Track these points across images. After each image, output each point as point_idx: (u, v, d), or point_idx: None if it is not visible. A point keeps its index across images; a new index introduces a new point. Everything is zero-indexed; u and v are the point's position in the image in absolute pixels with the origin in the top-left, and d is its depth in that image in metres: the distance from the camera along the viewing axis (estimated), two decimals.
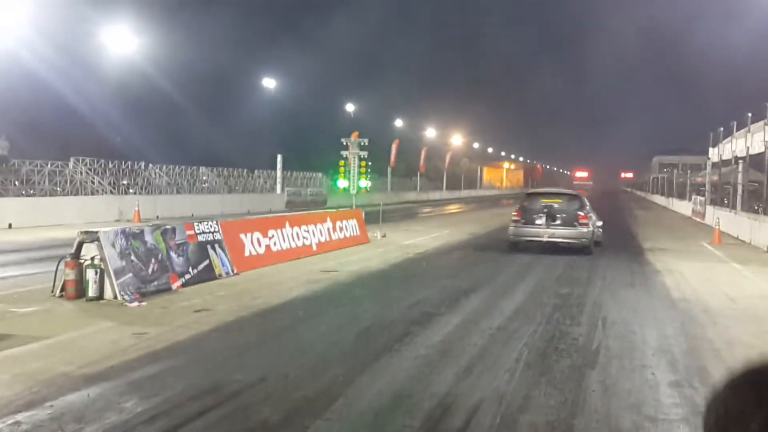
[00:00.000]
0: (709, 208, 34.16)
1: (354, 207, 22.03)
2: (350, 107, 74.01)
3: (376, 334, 9.09)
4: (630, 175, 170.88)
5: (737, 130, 35.89)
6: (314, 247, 17.59)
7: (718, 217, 30.19)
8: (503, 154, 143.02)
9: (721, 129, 41.05)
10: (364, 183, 21.61)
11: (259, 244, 15.27)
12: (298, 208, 34.56)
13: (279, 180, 41.69)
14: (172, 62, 57.24)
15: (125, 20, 35.53)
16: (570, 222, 18.82)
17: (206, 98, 72.71)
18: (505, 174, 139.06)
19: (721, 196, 34.79)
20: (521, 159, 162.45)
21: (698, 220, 36.33)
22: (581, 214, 18.97)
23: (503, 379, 7.21)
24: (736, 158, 34.40)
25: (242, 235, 14.70)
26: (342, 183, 21.64)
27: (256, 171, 50.03)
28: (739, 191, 27.97)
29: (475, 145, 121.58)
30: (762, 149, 29.12)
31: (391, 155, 58.28)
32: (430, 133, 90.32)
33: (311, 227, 17.81)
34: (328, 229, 18.63)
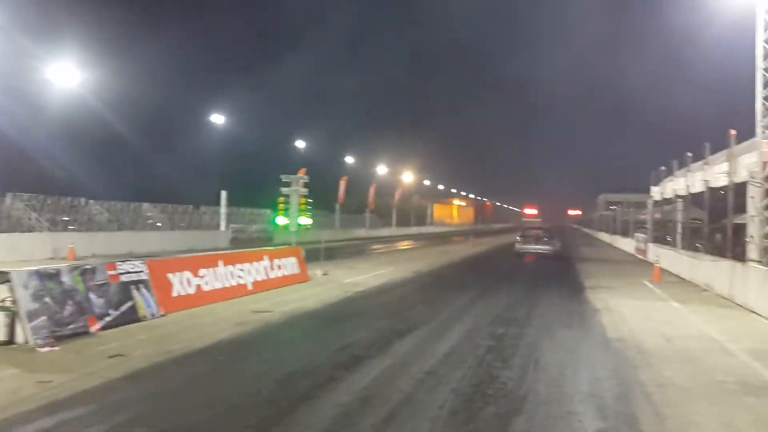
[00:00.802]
0: (651, 246, 34.64)
1: (294, 244, 21.58)
2: (300, 144, 73.86)
3: (299, 380, 8.64)
4: (578, 212, 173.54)
5: (678, 169, 36.77)
6: (250, 287, 17.05)
7: (658, 255, 30.61)
8: (454, 191, 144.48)
9: (663, 168, 42.04)
10: (305, 220, 21.18)
11: (189, 284, 14.68)
12: (244, 246, 33.88)
13: (223, 217, 40.91)
14: (118, 97, 56.26)
15: (69, 54, 34.70)
16: (546, 242, 36.29)
17: (153, 134, 71.57)
18: (455, 211, 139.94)
19: (663, 234, 35.34)
20: (471, 196, 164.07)
21: (641, 257, 36.81)
22: (552, 238, 37.18)
23: (424, 428, 6.84)
24: (677, 197, 35.17)
25: (170, 275, 14.10)
26: (281, 220, 21.18)
27: (202, 207, 49.25)
28: (679, 229, 28.37)
29: (426, 182, 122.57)
30: (701, 188, 29.80)
31: (339, 192, 57.96)
32: (381, 170, 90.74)
33: (247, 266, 17.28)
34: (265, 268, 18.12)
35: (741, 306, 16.90)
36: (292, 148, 71.90)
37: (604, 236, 65.71)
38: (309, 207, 21.23)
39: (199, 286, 15.00)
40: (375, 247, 46.21)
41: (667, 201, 37.58)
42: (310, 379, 8.64)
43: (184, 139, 74.80)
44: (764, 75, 16.52)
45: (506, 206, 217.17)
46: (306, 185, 21.02)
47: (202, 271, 15.29)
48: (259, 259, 18.06)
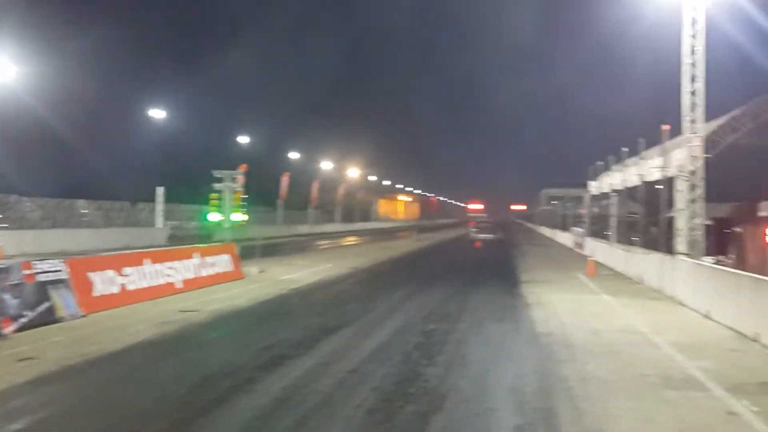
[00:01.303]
0: (588, 240, 35.19)
1: (229, 241, 21.13)
2: (243, 139, 72.80)
3: (216, 382, 8.34)
4: (522, 207, 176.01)
5: (614, 164, 37.47)
6: (179, 285, 16.58)
7: (593, 249, 31.13)
8: (400, 186, 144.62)
9: (600, 163, 42.79)
10: (239, 217, 20.74)
11: (113, 283, 14.16)
12: (182, 243, 33.12)
13: (160, 214, 39.94)
14: (54, 92, 54.31)
15: (4, 48, 33.24)
16: (492, 231, 51.24)
17: (89, 129, 69.40)
18: (400, 206, 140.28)
19: (601, 228, 35.97)
20: (417, 192, 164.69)
21: (578, 251, 37.36)
22: (496, 229, 53.20)
23: (338, 429, 6.65)
24: (613, 191, 35.83)
25: (91, 274, 13.57)
26: (214, 217, 20.70)
27: (139, 204, 48.11)
28: (613, 223, 28.86)
29: (372, 178, 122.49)
30: (637, 183, 30.40)
31: (281, 188, 57.33)
32: (326, 165, 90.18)
33: (176, 264, 16.80)
34: (196, 266, 17.65)
35: (670, 298, 17.20)
36: (234, 144, 70.78)
37: (545, 231, 66.71)
38: (244, 203, 20.79)
39: (123, 286, 14.48)
40: (317, 243, 45.82)
41: (605, 195, 38.28)
42: (228, 381, 8.35)
43: (122, 134, 72.91)
44: (691, 69, 16.82)
45: (452, 202, 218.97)
46: (239, 180, 20.56)
47: (126, 270, 14.77)
48: (189, 256, 17.59)
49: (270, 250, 34.41)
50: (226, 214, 20.57)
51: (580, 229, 39.49)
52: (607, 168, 39.59)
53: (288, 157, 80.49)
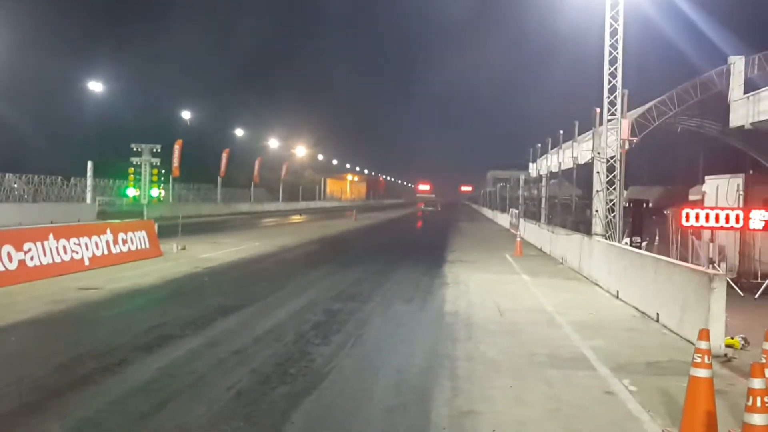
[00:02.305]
0: (522, 221, 35.48)
1: (147, 218, 20.53)
2: (185, 115, 71.30)
3: (84, 363, 7.93)
4: (469, 188, 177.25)
5: (552, 147, 37.79)
6: (87, 262, 15.99)
7: (525, 230, 31.39)
8: (348, 166, 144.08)
9: (539, 145, 43.12)
10: (156, 192, 20.12)
11: (10, 259, 13.54)
12: (112, 218, 32.17)
13: (89, 189, 38.80)
14: None
15: None
16: (434, 205, 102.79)
17: (23, 102, 66.94)
18: (348, 186, 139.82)
19: (539, 210, 36.29)
20: (366, 171, 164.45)
21: (514, 232, 37.67)
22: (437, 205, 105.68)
23: (197, 414, 6.34)
24: (550, 173, 36.17)
25: None
26: (131, 192, 20.03)
27: (72, 179, 46.81)
28: (543, 204, 29.11)
29: (320, 157, 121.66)
30: (571, 164, 30.67)
31: (221, 164, 56.37)
32: (273, 144, 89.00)
33: (84, 240, 16.18)
34: (108, 242, 17.06)
35: (586, 278, 17.37)
36: (176, 119, 69.29)
37: (488, 212, 67.26)
38: (161, 178, 20.15)
39: (22, 262, 13.87)
40: (254, 221, 45.17)
41: (543, 177, 38.62)
42: (98, 362, 7.96)
43: (58, 108, 70.63)
44: (610, 52, 16.83)
45: (401, 182, 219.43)
46: (156, 155, 19.90)
47: (27, 245, 14.14)
48: (101, 232, 16.98)
49: (201, 227, 33.87)
50: (144, 189, 19.92)
51: (516, 210, 39.81)
52: (546, 150, 39.98)
53: (234, 134, 79.37)
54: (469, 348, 9.39)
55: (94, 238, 16.59)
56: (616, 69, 16.91)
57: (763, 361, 6.13)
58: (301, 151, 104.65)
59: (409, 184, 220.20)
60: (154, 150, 19.85)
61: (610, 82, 16.92)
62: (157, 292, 13.60)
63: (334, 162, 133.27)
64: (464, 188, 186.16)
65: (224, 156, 56.95)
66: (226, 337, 9.57)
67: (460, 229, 42.92)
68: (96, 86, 57.10)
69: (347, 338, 9.78)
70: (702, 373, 5.88)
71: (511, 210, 42.65)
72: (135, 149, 19.85)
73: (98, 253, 16.54)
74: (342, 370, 8.04)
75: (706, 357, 5.94)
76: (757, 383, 4.97)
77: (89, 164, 38.85)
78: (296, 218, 52.85)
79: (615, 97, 16.95)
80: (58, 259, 14.99)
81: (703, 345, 5.97)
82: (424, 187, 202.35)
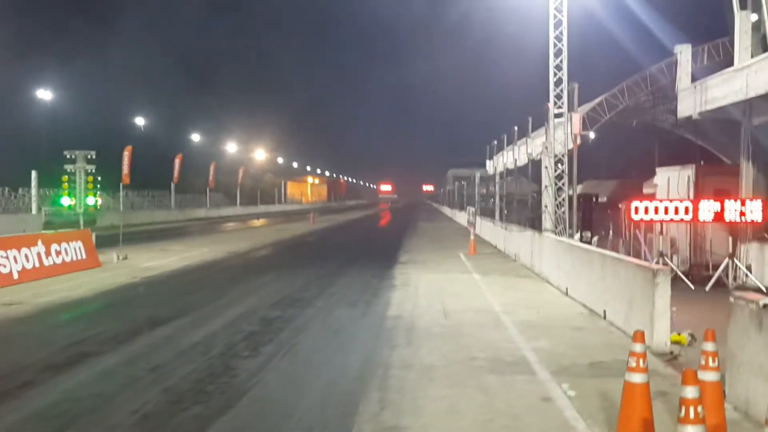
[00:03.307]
0: (478, 219, 35.21)
1: (85, 227, 19.68)
2: (138, 121, 69.76)
3: None
4: (431, 188, 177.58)
5: (507, 144, 37.67)
6: (15, 276, 15.15)
7: (481, 228, 31.11)
8: (308, 168, 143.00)
9: (495, 142, 42.98)
10: (92, 200, 19.26)
11: None
12: (59, 228, 31.01)
13: (34, 199, 37.44)
14: None
15: None
16: (395, 202, 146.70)
17: None
18: (309, 188, 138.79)
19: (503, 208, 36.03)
20: (327, 174, 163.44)
21: (471, 230, 37.36)
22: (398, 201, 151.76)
23: None
24: (507, 170, 35.97)
25: None
26: (66, 201, 19.14)
27: (20, 190, 45.47)
28: (496, 201, 28.89)
29: (280, 160, 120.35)
30: (526, 161, 30.51)
31: (174, 170, 55.16)
32: (231, 147, 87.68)
33: (13, 252, 15.33)
34: (39, 254, 16.21)
35: (538, 275, 17.05)
36: (128, 126, 67.70)
37: (447, 211, 67.07)
38: (96, 185, 19.28)
39: None
40: (209, 227, 44.17)
41: (500, 174, 38.44)
42: None
43: (6, 117, 68.50)
44: (555, 44, 16.54)
45: (363, 183, 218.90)
46: (91, 161, 19.03)
47: None
48: (31, 244, 16.12)
49: (152, 235, 33.01)
50: (79, 197, 19.05)
51: (472, 208, 39.55)
52: (502, 147, 39.87)
53: (190, 140, 77.86)
54: (406, 354, 8.90)
55: (24, 250, 15.73)
56: (561, 61, 16.65)
57: (703, 363, 5.74)
58: (260, 154, 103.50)
59: (372, 185, 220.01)
60: (89, 156, 18.98)
61: (555, 74, 16.65)
62: (85, 306, 12.87)
63: (294, 165, 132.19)
64: (426, 188, 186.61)
65: (177, 161, 55.72)
66: (146, 353, 8.94)
67: (418, 228, 42.54)
68: (45, 94, 55.69)
69: (278, 349, 9.23)
70: (637, 378, 5.48)
71: (468, 208, 42.40)
72: (68, 156, 18.96)
73: (28, 266, 15.70)
74: (266, 385, 7.49)
75: (641, 361, 5.54)
76: (689, 392, 4.56)
77: (33, 174, 37.45)
78: (254, 222, 51.92)
79: (561, 90, 16.69)
80: None
81: (637, 348, 5.57)
82: (386, 187, 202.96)
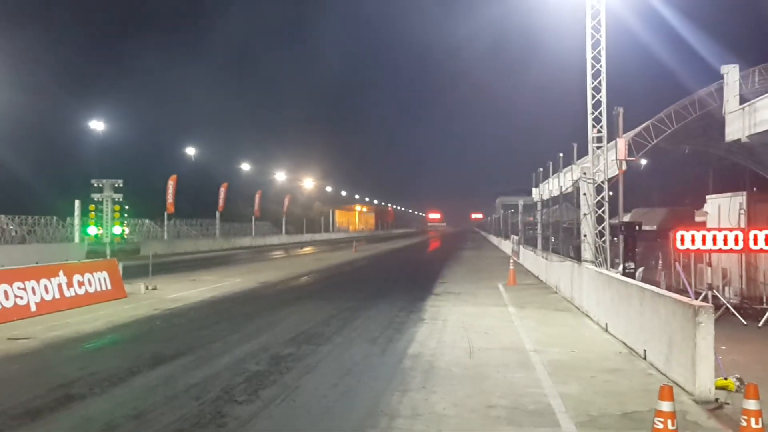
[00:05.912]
0: (522, 248, 34.10)
1: (112, 257, 19.37)
2: (189, 151, 70.70)
3: None
4: (480, 215, 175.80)
5: (553, 171, 36.51)
6: (33, 308, 14.81)
7: (524, 257, 30.00)
8: (357, 197, 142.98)
9: (541, 170, 41.81)
10: (119, 230, 18.98)
11: None
12: (101, 257, 31.10)
13: (77, 228, 37.89)
14: None
15: None
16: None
17: (23, 142, 66.56)
18: (357, 217, 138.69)
19: (545, 236, 34.80)
20: (375, 202, 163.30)
21: (515, 259, 36.24)
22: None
23: None
24: (552, 198, 34.79)
25: None
26: (93, 230, 18.90)
27: (68, 219, 46.21)
28: (539, 230, 27.78)
29: (329, 189, 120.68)
30: (570, 188, 29.36)
31: (219, 199, 55.40)
32: (280, 176, 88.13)
33: (31, 284, 15.02)
34: (60, 285, 15.89)
35: (578, 309, 16.00)
36: (176, 154, 68.59)
37: (494, 239, 65.77)
38: (124, 214, 19.00)
39: None
40: (250, 256, 43.91)
41: (546, 203, 37.26)
42: None
43: (59, 148, 70.27)
44: (593, 65, 15.64)
45: (411, 211, 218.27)
46: (118, 190, 18.77)
47: None
48: (52, 275, 15.81)
49: (190, 264, 32.84)
50: (106, 227, 18.78)
51: (516, 237, 38.43)
52: (548, 175, 38.71)
53: (239, 169, 78.57)
54: (417, 400, 8.05)
55: (43, 281, 15.41)
56: (600, 83, 15.72)
57: (744, 424, 4.78)
58: (308, 183, 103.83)
59: (420, 213, 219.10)
60: (116, 185, 18.75)
61: (594, 96, 15.71)
62: (93, 341, 12.33)
63: (343, 193, 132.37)
64: (475, 215, 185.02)
65: (222, 190, 56.02)
66: (136, 397, 8.29)
67: (460, 257, 41.51)
68: (97, 125, 56.80)
69: (279, 392, 8.48)
70: None
71: (512, 236, 41.26)
72: (96, 185, 18.75)
73: (47, 298, 15.37)
74: None
75: (669, 422, 4.62)
76: None
77: (76, 203, 38.00)
78: (296, 251, 51.57)
79: (600, 113, 15.74)
80: None
81: (665, 407, 4.67)
82: (434, 215, 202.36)
